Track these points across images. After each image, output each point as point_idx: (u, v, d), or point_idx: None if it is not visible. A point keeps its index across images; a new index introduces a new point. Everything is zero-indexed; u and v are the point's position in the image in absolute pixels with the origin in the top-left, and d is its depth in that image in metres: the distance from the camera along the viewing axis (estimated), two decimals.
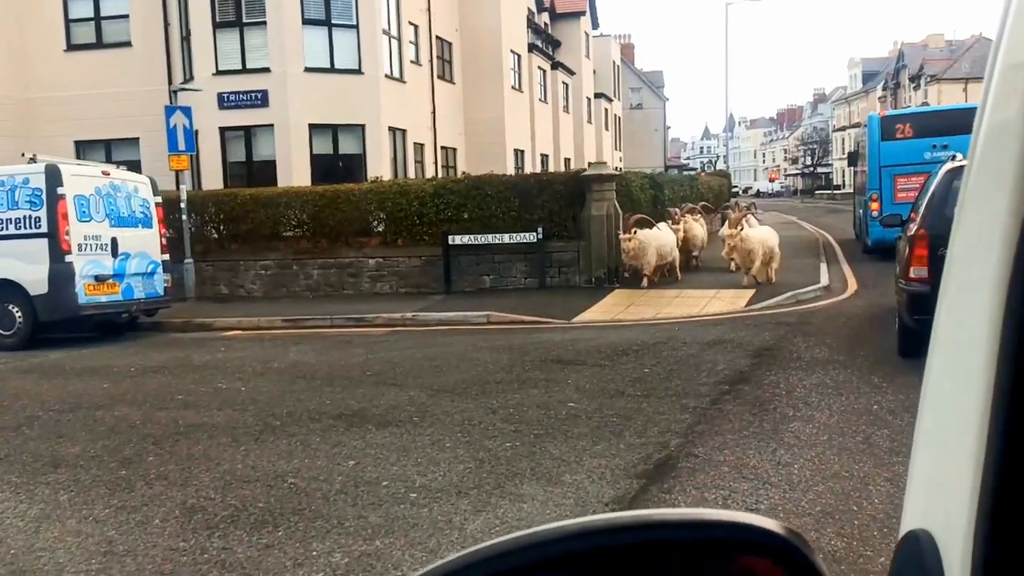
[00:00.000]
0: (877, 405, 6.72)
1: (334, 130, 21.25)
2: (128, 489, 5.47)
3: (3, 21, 22.64)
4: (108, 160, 23.34)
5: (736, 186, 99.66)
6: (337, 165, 21.22)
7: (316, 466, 5.77)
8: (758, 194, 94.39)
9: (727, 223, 13.29)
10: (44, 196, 11.69)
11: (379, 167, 21.39)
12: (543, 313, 13.12)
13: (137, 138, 22.55)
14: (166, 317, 14.01)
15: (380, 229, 16.17)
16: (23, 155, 12.50)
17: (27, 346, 11.77)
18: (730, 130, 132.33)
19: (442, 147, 30.82)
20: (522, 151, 35.60)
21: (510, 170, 27.86)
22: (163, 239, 13.61)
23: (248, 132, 20.99)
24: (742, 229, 13.12)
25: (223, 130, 20.99)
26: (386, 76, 22.42)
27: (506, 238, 15.48)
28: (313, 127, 20.82)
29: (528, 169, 34.15)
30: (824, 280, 15.12)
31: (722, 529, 0.75)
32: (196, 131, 21.28)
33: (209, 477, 5.64)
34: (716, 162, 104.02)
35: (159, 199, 13.67)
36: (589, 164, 15.86)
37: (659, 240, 14.61)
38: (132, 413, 7.49)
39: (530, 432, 6.36)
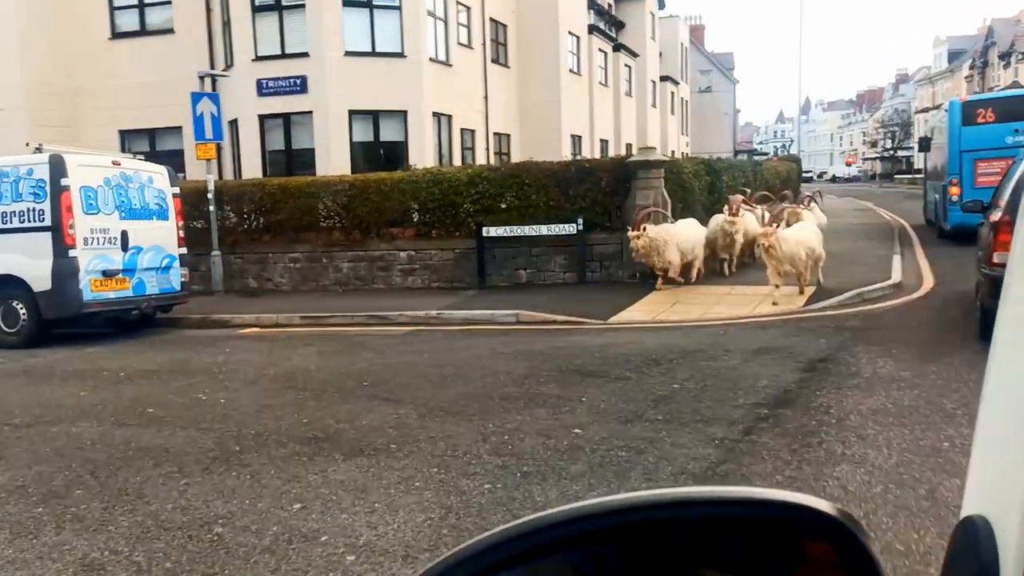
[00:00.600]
0: (948, 442, 5.47)
1: (375, 116, 20.47)
2: (33, 534, 4.65)
3: (49, 11, 22.48)
4: (152, 150, 23.22)
5: (810, 171, 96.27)
6: (378, 153, 20.47)
7: (256, 509, 4.85)
8: (834, 179, 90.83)
9: (767, 218, 11.74)
10: (48, 187, 11.11)
11: (422, 155, 20.55)
12: (578, 312, 12.04)
13: (180, 127, 22.16)
14: (186, 312, 13.40)
15: (412, 220, 15.28)
16: (27, 144, 11.98)
17: (32, 344, 11.25)
18: (805, 113, 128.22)
19: (495, 133, 29.87)
20: (579, 137, 34.37)
21: (566, 156, 26.62)
22: (180, 231, 12.96)
23: (287, 120, 20.39)
24: (778, 227, 11.37)
25: (262, 118, 20.45)
26: (430, 60, 21.53)
27: (543, 230, 14.43)
28: (353, 113, 20.08)
29: (587, 156, 32.91)
30: (896, 275, 13.64)
31: (778, 508, 0.78)
32: (236, 119, 20.90)
33: (129, 521, 4.77)
34: (790, 146, 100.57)
35: (176, 189, 13.03)
36: (637, 149, 14.62)
37: (679, 236, 13.14)
38: (88, 431, 6.72)
39: (518, 469, 5.33)
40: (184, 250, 13.05)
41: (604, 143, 37.93)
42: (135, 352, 10.71)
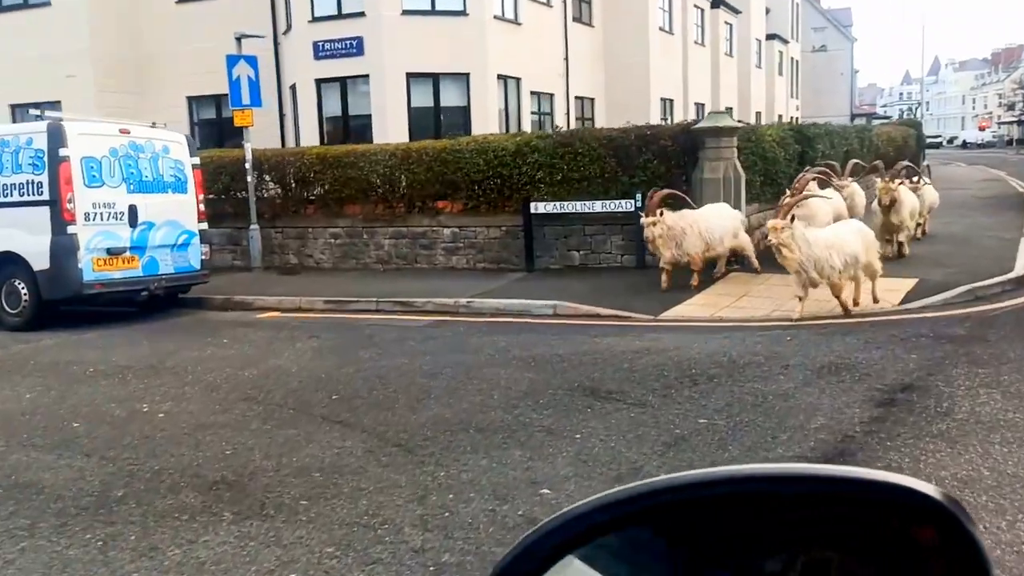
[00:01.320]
0: None
1: (435, 80, 19.09)
2: None
3: None
4: (218, 116, 22.64)
5: (938, 136, 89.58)
6: (438, 119, 19.11)
7: None
8: (964, 145, 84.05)
9: (780, 208, 9.30)
10: (46, 158, 10.27)
11: (485, 121, 19.10)
12: (627, 304, 10.45)
13: None
14: (211, 293, 12.49)
15: (456, 194, 13.90)
16: (30, 111, 11.20)
17: (34, 326, 10.54)
18: (934, 73, 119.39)
19: (576, 97, 28.08)
20: (671, 100, 32.12)
21: (655, 122, 24.62)
22: (201, 205, 12.00)
23: (343, 84, 19.27)
24: (793, 220, 8.75)
25: (319, 82, 19.39)
26: (495, 18, 19.97)
27: (597, 206, 12.79)
28: (411, 77, 18.76)
29: (681, 121, 30.75)
30: (1021, 266, 11.43)
31: (883, 490, 0.80)
32: (294, 84, 19.94)
33: None
34: (916, 110, 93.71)
35: (196, 160, 12.04)
36: (708, 113, 12.76)
37: (703, 223, 10.98)
38: None
39: (436, 557, 3.91)
40: (205, 225, 12.10)
41: (699, 107, 35.45)
42: (127, 340, 9.80)
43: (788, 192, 10.75)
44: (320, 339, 9.52)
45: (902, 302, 9.92)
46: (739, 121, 13.39)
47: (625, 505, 0.89)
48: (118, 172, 10.81)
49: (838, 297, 9.23)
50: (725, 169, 12.21)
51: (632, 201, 12.50)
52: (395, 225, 14.30)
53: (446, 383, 7.16)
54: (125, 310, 11.85)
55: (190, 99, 22.36)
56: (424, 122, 18.78)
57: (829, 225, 10.33)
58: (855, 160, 12.15)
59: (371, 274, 14.06)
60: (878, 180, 11.97)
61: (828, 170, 13.08)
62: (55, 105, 22.27)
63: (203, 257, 11.98)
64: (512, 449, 5.38)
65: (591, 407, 6.28)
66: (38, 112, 10.90)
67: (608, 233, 13.09)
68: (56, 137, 10.19)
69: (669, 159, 12.67)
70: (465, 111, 19.31)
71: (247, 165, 14.48)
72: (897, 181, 11.42)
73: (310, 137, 19.45)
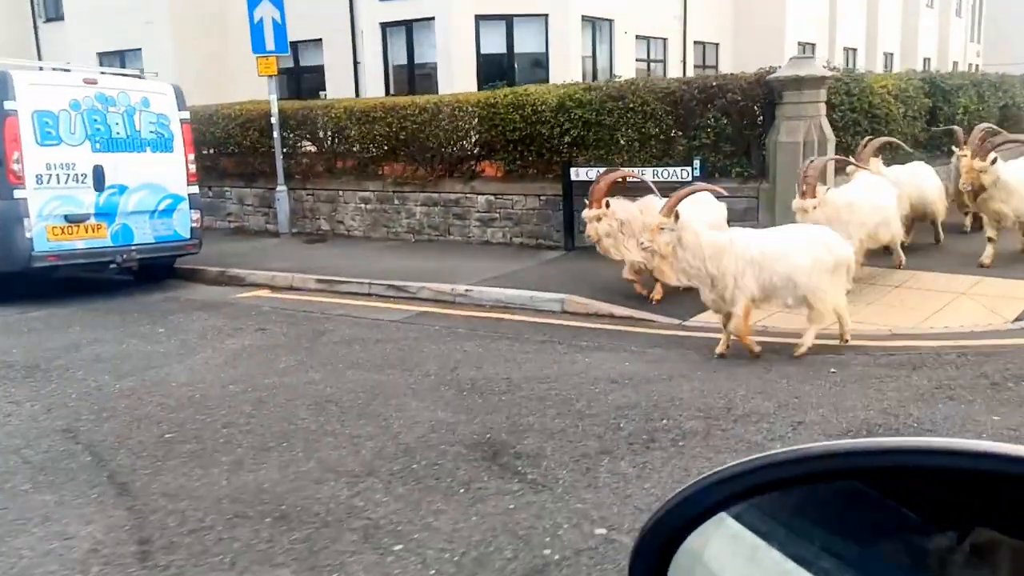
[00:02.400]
0: None
1: (508, 23, 17.02)
2: None
3: None
4: (296, 65, 21.55)
5: None
6: (511, 67, 17.06)
7: None
8: None
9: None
10: None
11: (566, 69, 16.85)
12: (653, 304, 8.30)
13: (320, 39, 20.15)
14: (211, 263, 11.27)
15: (492, 156, 11.96)
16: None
17: None
18: None
19: (696, 42, 25.20)
20: (812, 45, 28.40)
21: None
22: (191, 166, 10.69)
23: (409, 28, 17.55)
24: (677, 218, 6.25)
25: (384, 27, 17.76)
26: None
27: (648, 174, 10.45)
28: (481, 19, 16.80)
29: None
30: None
31: None
32: (361, 31, 18.40)
33: None
34: None
35: (186, 114, 10.70)
36: (788, 60, 10.08)
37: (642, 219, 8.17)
38: None
39: None
40: (196, 189, 10.79)
41: (850, 53, 31.37)
42: (63, 323, 8.61)
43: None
44: (265, 333, 7.98)
45: (1018, 319, 7.28)
46: (834, 68, 10.58)
47: (789, 467, 0.92)
48: (80, 128, 9.59)
49: (740, 337, 6.59)
50: (807, 130, 9.61)
51: (690, 169, 10.15)
52: (427, 191, 12.54)
53: (324, 421, 5.41)
54: (122, 279, 10.85)
55: None
56: (495, 71, 16.82)
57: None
58: (985, 125, 9.05)
59: (398, 247, 12.41)
60: (957, 152, 9.03)
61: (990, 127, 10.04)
62: (136, 53, 22.13)
63: (193, 224, 10.70)
64: (282, 569, 3.57)
65: (469, 484, 4.36)
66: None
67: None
68: (2, 88, 9.04)
69: (738, 117, 10.18)
70: (542, 58, 17.17)
71: (272, 120, 13.08)
72: (990, 157, 8.19)
73: (375, 87, 17.96)
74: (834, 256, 6.42)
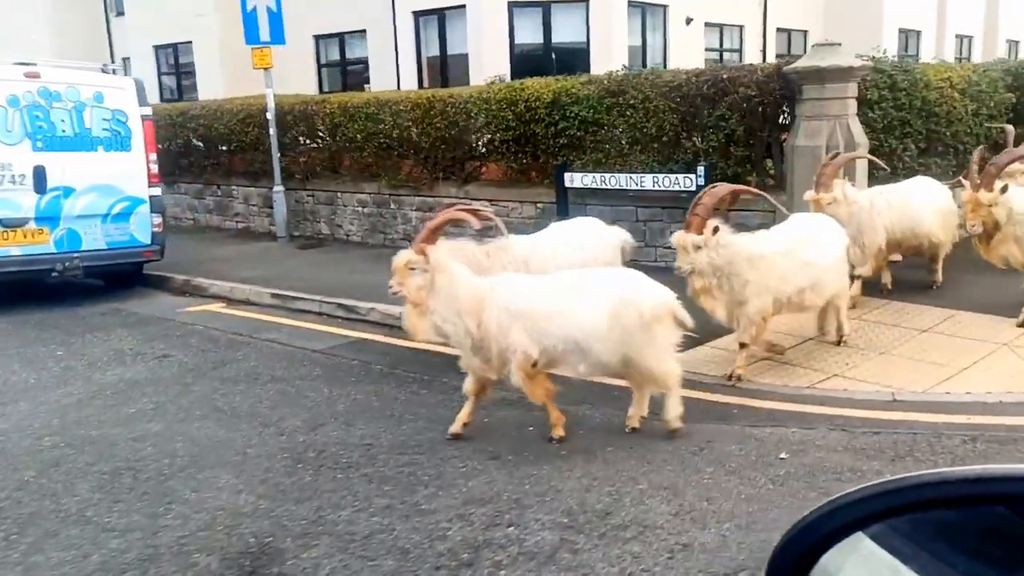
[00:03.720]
0: None
1: (545, 9, 15.65)
2: None
3: None
4: (342, 57, 20.79)
5: None
6: (548, 58, 15.69)
7: None
8: None
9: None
10: None
11: (608, 61, 15.36)
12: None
13: (363, 30, 19.32)
14: (182, 271, 10.49)
15: (485, 157, 10.69)
16: None
17: None
18: None
19: (778, 29, 23.14)
20: (916, 33, 25.83)
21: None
22: (153, 166, 9.90)
23: (441, 17, 16.42)
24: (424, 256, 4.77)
25: (416, 15, 16.70)
26: None
27: (647, 181, 9.04)
28: (514, 6, 15.49)
29: (933, 61, 24.63)
30: None
31: None
32: (396, 23, 17.39)
33: None
34: None
35: (148, 110, 9.91)
36: (812, 47, 8.36)
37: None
38: None
39: None
40: (158, 191, 10.00)
41: (963, 42, 28.38)
42: None
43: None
44: (163, 361, 7.05)
45: None
46: (867, 57, 8.78)
47: (930, 489, 0.93)
48: (18, 125, 8.90)
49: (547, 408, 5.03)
50: (831, 132, 7.93)
51: (694, 176, 8.64)
52: (422, 194, 11.40)
53: (96, 500, 4.35)
54: (92, 283, 10.23)
55: (317, 38, 20.57)
56: (530, 62, 15.47)
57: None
58: (1010, 129, 7.11)
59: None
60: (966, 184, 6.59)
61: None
62: (188, 46, 21.91)
63: (155, 229, 9.90)
64: None
65: None
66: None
67: (667, 219, 9.28)
68: None
69: (752, 116, 8.56)
70: (583, 49, 15.72)
71: (268, 115, 12.21)
72: (999, 184, 6.08)
73: (408, 79, 16.95)
74: (642, 309, 4.66)
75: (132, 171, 9.70)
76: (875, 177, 8.32)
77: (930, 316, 7.01)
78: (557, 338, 4.69)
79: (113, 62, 25.29)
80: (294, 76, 19.74)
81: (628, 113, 9.25)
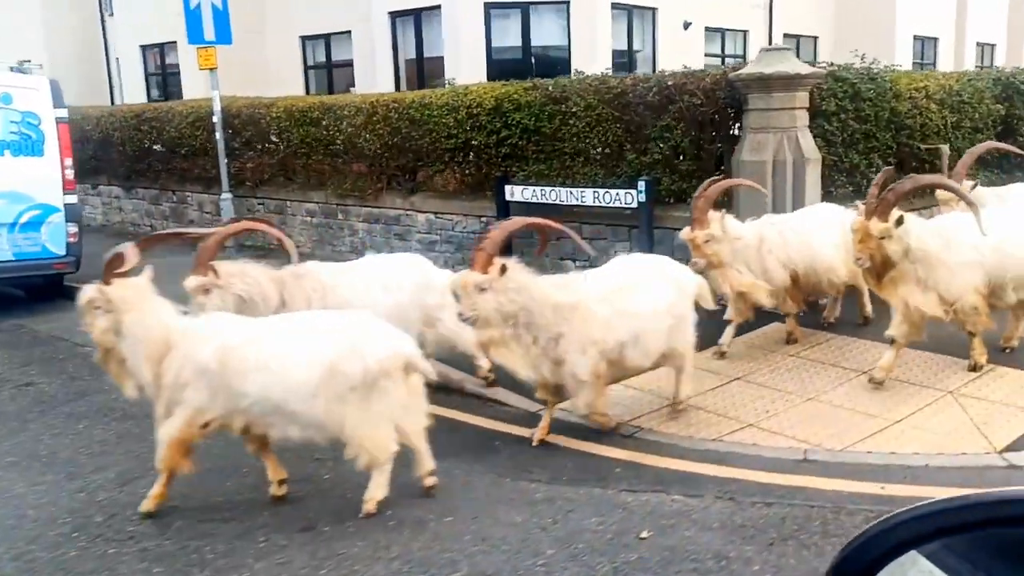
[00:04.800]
0: None
1: (524, 10, 14.92)
2: None
3: None
4: (328, 59, 20.22)
5: None
6: (527, 61, 14.97)
7: None
8: None
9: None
10: None
11: (591, 62, 14.63)
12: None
13: (348, 31, 18.74)
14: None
15: (429, 167, 10.00)
16: None
17: None
18: None
19: (785, 35, 22.23)
20: (932, 40, 24.78)
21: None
22: (68, 171, 9.35)
23: (417, 18, 15.76)
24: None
25: (393, 16, 16.07)
26: None
27: (588, 196, 8.29)
28: (491, 7, 14.78)
29: (951, 70, 23.73)
30: None
31: None
32: (373, 24, 16.77)
33: None
34: None
35: (63, 112, 9.36)
36: (759, 51, 7.53)
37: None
38: None
39: None
40: (74, 198, 9.44)
41: (985, 50, 27.22)
42: None
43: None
44: (20, 391, 6.48)
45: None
46: (822, 64, 7.97)
47: (986, 509, 0.94)
48: None
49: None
50: (778, 147, 7.14)
51: (635, 192, 7.89)
52: (368, 204, 10.75)
53: None
54: (15, 293, 9.72)
55: (303, 39, 20.04)
56: (508, 65, 14.78)
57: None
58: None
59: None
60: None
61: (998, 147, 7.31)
62: (173, 46, 21.45)
63: (70, 239, 9.35)
64: None
65: None
66: None
67: (612, 236, 8.55)
68: None
69: (698, 128, 7.78)
70: (564, 52, 14.99)
71: (215, 119, 11.60)
72: (894, 214, 5.00)
73: (385, 83, 16.28)
74: (368, 362, 3.90)
75: (44, 177, 9.16)
76: (832, 195, 7.53)
77: (874, 354, 6.17)
78: (251, 398, 3.92)
79: (108, 62, 25.11)
80: (280, 78, 19.27)
81: (571, 122, 8.52)
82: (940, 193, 6.33)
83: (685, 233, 5.80)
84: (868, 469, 4.57)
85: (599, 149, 8.40)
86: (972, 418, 5.10)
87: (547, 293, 4.65)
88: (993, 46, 27.81)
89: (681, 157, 7.92)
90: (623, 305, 4.82)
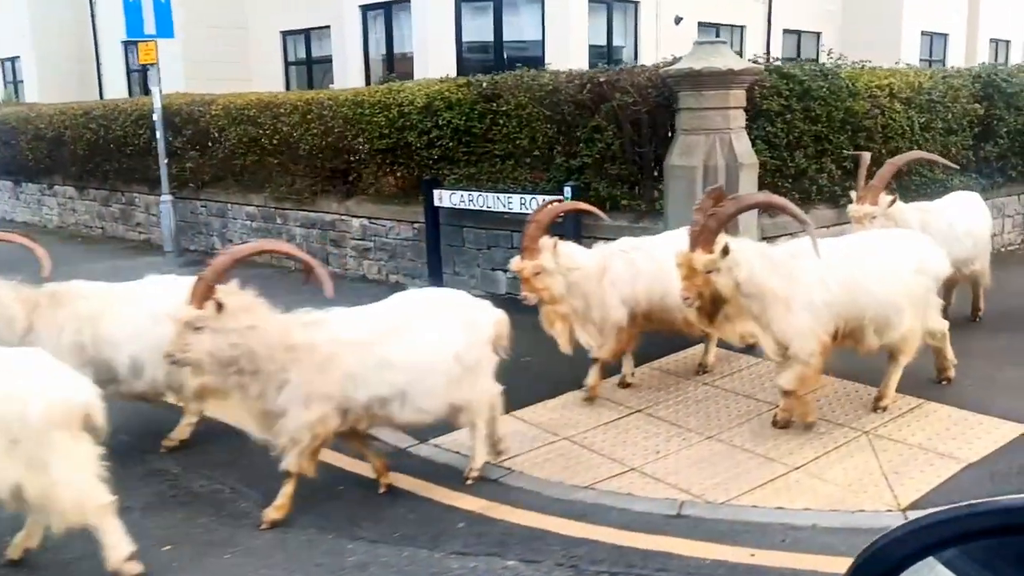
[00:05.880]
0: None
1: (496, 4, 14.29)
2: None
3: None
4: (308, 55, 19.71)
5: None
6: (500, 56, 14.35)
7: None
8: None
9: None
10: None
11: (565, 58, 14.00)
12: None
13: (327, 27, 18.22)
14: None
15: (363, 169, 9.42)
16: None
17: None
18: None
19: (785, 31, 21.49)
20: (943, 36, 23.82)
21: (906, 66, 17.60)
22: None
23: (388, 12, 15.19)
24: None
25: (364, 9, 15.53)
26: None
27: (515, 202, 7.67)
28: (463, 1, 14.17)
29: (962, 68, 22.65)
30: None
31: None
32: (344, 18, 16.22)
33: None
34: None
35: None
36: (693, 44, 6.84)
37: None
38: None
39: None
40: None
41: (999, 47, 26.20)
42: None
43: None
44: None
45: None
46: (758, 59, 7.28)
47: (1004, 515, 0.92)
48: None
49: None
50: (710, 150, 6.48)
51: (561, 198, 7.25)
52: (304, 208, 10.19)
53: None
54: None
55: (284, 34, 19.57)
56: (479, 62, 14.17)
57: None
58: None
59: (269, 277, 10.11)
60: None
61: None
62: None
63: None
64: None
65: None
66: None
67: None
68: None
69: (635, 127, 7.13)
70: (537, 48, 14.34)
71: (155, 118, 11.12)
72: (720, 243, 4.21)
73: (355, 79, 15.76)
74: (29, 411, 3.21)
75: None
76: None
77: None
78: None
79: (98, 57, 24.79)
80: (263, 74, 18.82)
81: (501, 122, 7.90)
82: (852, 209, 5.63)
83: (514, 264, 5.06)
84: (745, 529, 3.93)
85: (529, 151, 7.76)
86: (883, 465, 4.44)
87: (283, 332, 3.92)
88: (1008, 42, 26.78)
89: (611, 161, 7.27)
90: (388, 352, 4.07)
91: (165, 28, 11.04)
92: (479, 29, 14.41)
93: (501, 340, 4.45)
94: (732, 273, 4.25)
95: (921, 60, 22.27)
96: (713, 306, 4.30)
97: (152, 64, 11.10)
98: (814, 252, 4.17)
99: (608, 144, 7.20)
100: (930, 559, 1.01)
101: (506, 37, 14.41)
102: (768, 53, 20.65)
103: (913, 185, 8.18)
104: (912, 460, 4.46)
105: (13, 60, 24.42)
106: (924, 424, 4.88)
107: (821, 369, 4.65)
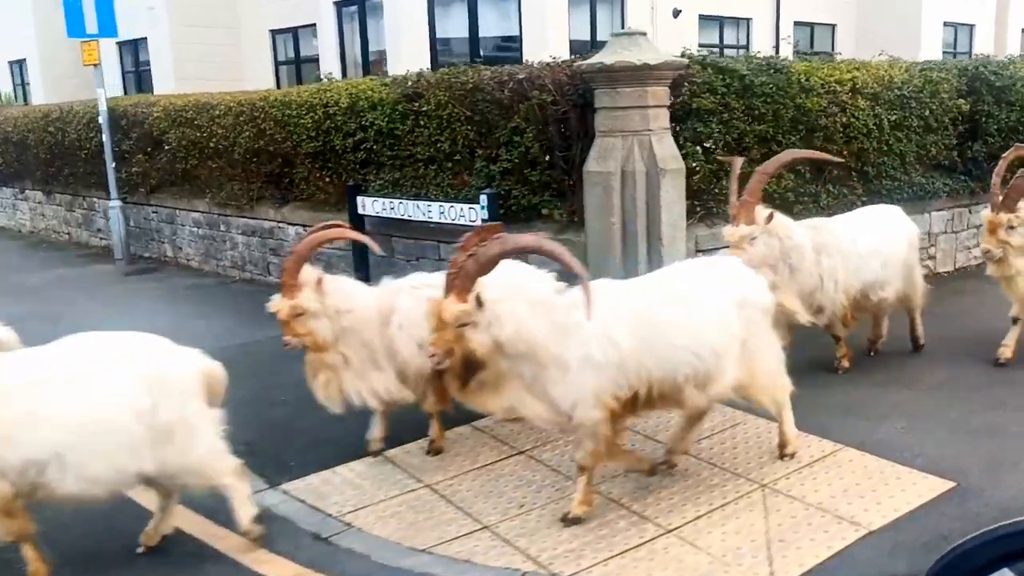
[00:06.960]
0: None
1: (470, 1, 13.64)
2: None
3: None
4: (296, 54, 19.25)
5: None
6: (475, 52, 13.71)
7: None
8: None
9: None
10: None
11: (542, 48, 13.33)
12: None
13: (313, 25, 17.74)
14: None
15: (294, 173, 8.84)
16: None
17: None
18: None
19: (796, 23, 20.56)
20: (968, 26, 22.67)
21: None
22: None
23: (362, 9, 14.64)
24: None
25: (338, 6, 15.00)
26: None
27: (434, 211, 7.04)
28: None
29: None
30: None
31: None
32: (317, 15, 15.71)
33: None
34: None
35: None
36: (611, 35, 6.13)
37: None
38: None
39: None
40: None
41: None
42: None
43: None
44: None
45: None
46: (688, 53, 6.52)
47: None
48: None
49: None
50: (628, 154, 5.78)
51: (477, 207, 6.62)
52: (244, 215, 9.66)
53: None
54: None
55: (273, 32, 19.15)
56: (454, 58, 13.57)
57: None
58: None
59: (208, 289, 9.63)
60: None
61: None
62: (143, 43, 20.73)
63: None
64: None
65: None
66: None
67: None
68: None
69: (552, 129, 6.45)
70: (515, 44, 13.69)
71: (101, 120, 10.68)
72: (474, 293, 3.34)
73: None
74: None
75: None
76: (709, 212, 6.14)
77: (709, 424, 4.80)
78: None
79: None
80: (255, 74, 18.43)
81: (423, 123, 7.26)
82: (726, 231, 4.88)
83: (272, 304, 4.25)
84: None
85: (450, 155, 7.12)
86: (769, 530, 3.73)
87: None
88: None
89: (534, 166, 6.60)
90: (41, 406, 3.30)
91: (108, 27, 10.57)
92: (454, 25, 13.79)
93: (213, 391, 3.68)
94: (491, 330, 3.42)
95: (945, 52, 21.18)
96: (465, 369, 3.49)
97: (95, 65, 10.64)
98: (585, 310, 3.30)
99: (528, 148, 6.52)
100: (1005, 570, 1.00)
101: (482, 33, 13.78)
102: (777, 48, 19.76)
103: (884, 190, 7.40)
104: (805, 524, 3.75)
105: (20, 63, 24.34)
106: (833, 477, 4.15)
107: (612, 440, 3.78)
